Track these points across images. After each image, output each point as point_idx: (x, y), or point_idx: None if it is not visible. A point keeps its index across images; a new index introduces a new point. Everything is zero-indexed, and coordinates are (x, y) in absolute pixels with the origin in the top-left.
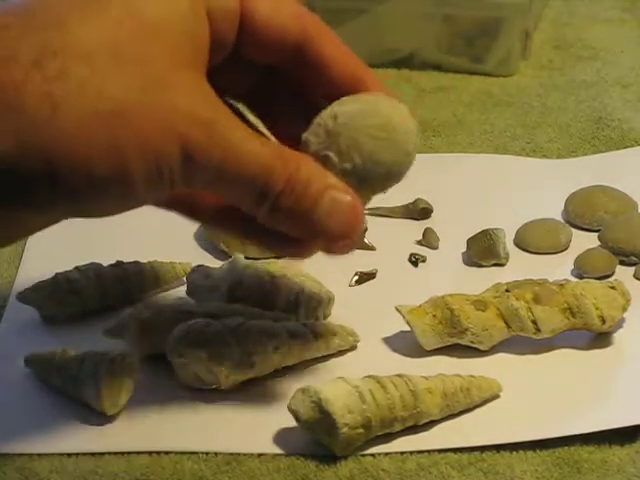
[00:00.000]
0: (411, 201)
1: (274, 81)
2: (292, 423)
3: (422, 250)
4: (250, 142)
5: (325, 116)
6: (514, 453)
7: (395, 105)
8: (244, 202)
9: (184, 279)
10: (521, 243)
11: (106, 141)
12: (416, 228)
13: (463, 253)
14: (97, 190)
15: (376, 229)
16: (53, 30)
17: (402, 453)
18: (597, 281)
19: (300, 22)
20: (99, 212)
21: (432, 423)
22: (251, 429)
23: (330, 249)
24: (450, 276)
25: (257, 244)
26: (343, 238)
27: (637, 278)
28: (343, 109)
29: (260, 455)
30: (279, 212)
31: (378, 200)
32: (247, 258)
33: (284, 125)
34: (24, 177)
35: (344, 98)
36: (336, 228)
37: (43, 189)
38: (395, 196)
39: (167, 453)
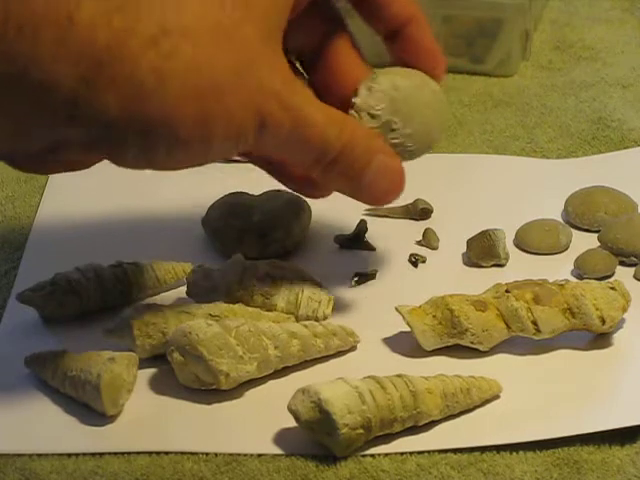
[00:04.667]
0: (411, 201)
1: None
2: (292, 423)
3: (422, 250)
4: (317, 112)
5: (386, 85)
6: (514, 454)
7: (436, 85)
8: (303, 163)
9: (184, 279)
10: (521, 244)
11: (198, 114)
12: (416, 228)
13: (463, 254)
14: (178, 150)
15: (376, 229)
16: (170, 9)
17: (402, 454)
18: (597, 282)
19: None
20: (171, 165)
21: (432, 423)
22: (251, 429)
23: (372, 204)
24: (450, 277)
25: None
26: (386, 199)
27: (637, 279)
28: (403, 83)
29: (260, 455)
30: (332, 173)
31: None
32: (247, 258)
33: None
34: (119, 134)
35: (395, 69)
36: (382, 189)
37: (132, 146)
38: None
39: (167, 453)
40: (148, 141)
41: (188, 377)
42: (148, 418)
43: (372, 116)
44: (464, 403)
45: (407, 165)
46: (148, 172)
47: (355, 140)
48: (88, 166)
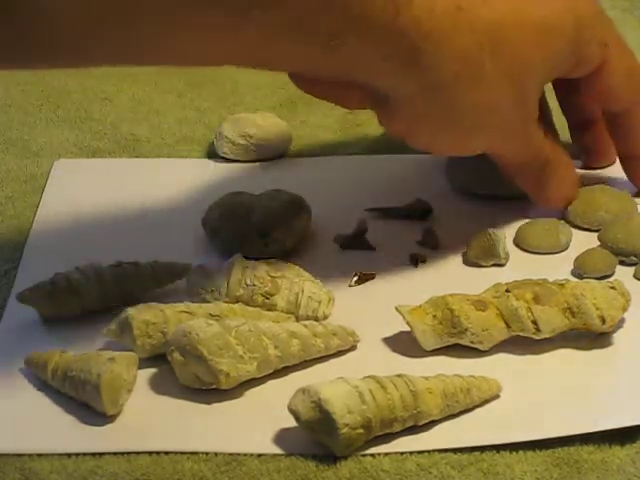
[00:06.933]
0: (411, 201)
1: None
2: (292, 423)
3: (422, 250)
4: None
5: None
6: (514, 453)
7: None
8: (513, 163)
9: (184, 279)
10: (521, 243)
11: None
12: (416, 228)
13: (463, 253)
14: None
15: (376, 229)
16: None
17: (402, 453)
18: (597, 281)
19: (633, 95)
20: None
21: (432, 423)
22: (251, 429)
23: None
24: (450, 276)
25: None
26: (560, 203)
27: (637, 278)
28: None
29: (260, 455)
30: (528, 173)
31: (378, 200)
32: (247, 258)
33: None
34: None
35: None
36: (559, 194)
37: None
38: (395, 196)
39: (167, 453)
40: (446, 121)
41: (188, 377)
42: (148, 418)
43: None
44: (464, 403)
45: (407, 165)
46: (147, 172)
47: (551, 153)
48: (351, 108)
